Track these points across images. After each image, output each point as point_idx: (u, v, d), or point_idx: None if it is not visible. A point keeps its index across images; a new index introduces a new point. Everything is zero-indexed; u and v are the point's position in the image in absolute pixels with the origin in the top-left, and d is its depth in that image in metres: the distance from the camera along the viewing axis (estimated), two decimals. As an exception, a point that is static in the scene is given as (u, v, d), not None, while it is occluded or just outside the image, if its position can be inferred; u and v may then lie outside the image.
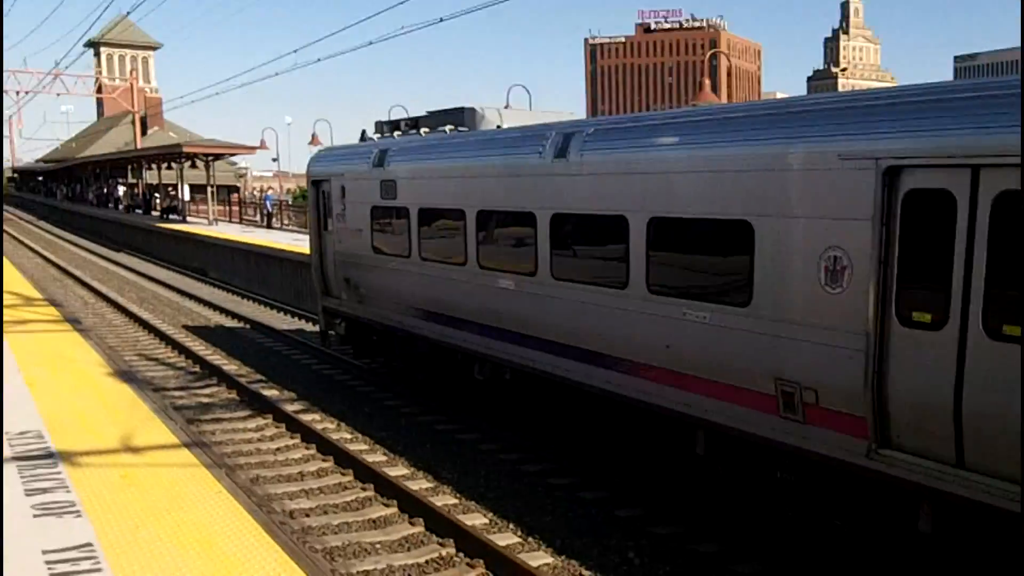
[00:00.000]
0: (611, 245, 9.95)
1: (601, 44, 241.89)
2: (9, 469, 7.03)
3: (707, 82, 33.87)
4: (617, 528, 9.55)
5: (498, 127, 13.43)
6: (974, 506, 6.75)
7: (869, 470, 7.39)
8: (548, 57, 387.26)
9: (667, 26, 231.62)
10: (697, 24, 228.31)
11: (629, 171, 9.77)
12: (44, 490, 6.55)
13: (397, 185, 14.36)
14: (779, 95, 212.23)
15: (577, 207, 10.54)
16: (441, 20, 21.65)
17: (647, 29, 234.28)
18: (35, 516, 6.08)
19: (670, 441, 9.73)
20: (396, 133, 15.60)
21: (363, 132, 16.68)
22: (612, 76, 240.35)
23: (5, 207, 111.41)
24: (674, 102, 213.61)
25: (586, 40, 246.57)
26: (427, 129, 14.85)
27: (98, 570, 5.29)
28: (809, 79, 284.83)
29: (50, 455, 7.41)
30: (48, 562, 5.37)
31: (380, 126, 16.38)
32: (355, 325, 16.23)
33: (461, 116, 14.34)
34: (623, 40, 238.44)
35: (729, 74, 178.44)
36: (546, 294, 11.00)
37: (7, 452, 7.45)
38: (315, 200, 17.15)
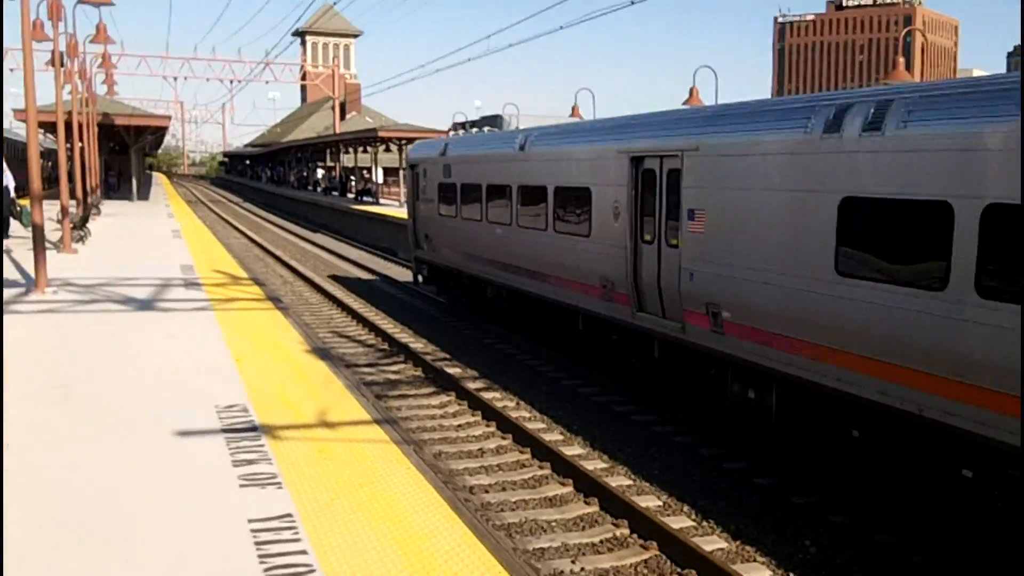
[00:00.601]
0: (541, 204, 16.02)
1: (791, 23, 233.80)
2: (218, 440, 7.69)
3: (901, 60, 32.25)
4: (793, 515, 9.48)
5: (516, 128, 18.81)
6: (672, 340, 12.49)
7: (635, 324, 13.29)
8: (736, 37, 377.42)
9: (859, 2, 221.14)
10: (891, 0, 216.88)
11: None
12: (249, 461, 7.12)
13: (451, 168, 20.47)
14: (975, 72, 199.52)
15: (529, 181, 16.62)
16: (632, 3, 21.67)
17: (838, 6, 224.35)
18: (241, 486, 6.61)
19: (564, 319, 16.03)
20: (460, 131, 22.03)
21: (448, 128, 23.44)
22: (801, 55, 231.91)
23: (217, 189, 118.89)
24: (865, 81, 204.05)
25: (775, 19, 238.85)
26: (476, 129, 21.08)
27: (297, 539, 5.73)
28: (1009, 55, 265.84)
29: (254, 428, 8.03)
30: (253, 530, 5.85)
31: (455, 126, 23.08)
32: (431, 268, 22.71)
33: (495, 120, 20.25)
34: (813, 17, 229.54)
35: (924, 51, 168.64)
36: (515, 236, 17.16)
37: (218, 424, 8.13)
38: (411, 179, 23.76)
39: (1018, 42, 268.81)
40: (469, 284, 20.54)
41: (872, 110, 9.01)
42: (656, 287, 12.56)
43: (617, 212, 13.49)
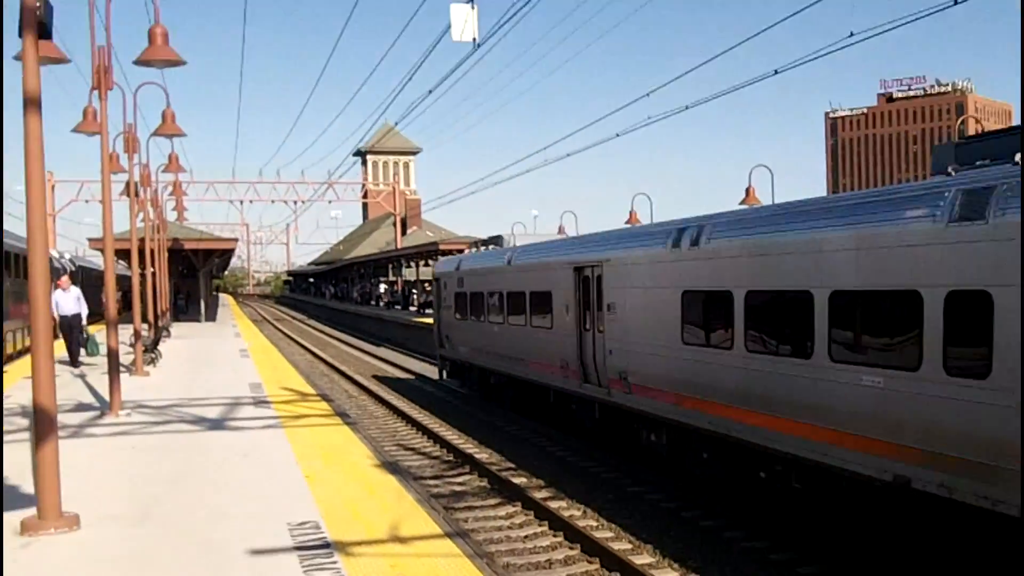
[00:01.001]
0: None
1: (841, 117, 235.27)
2: (291, 558, 7.72)
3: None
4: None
5: (513, 245, 23.12)
6: (605, 403, 16.76)
7: (582, 392, 17.67)
8: (789, 134, 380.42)
9: (911, 93, 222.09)
10: (943, 89, 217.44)
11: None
12: (323, 579, 7.13)
13: (463, 279, 25.24)
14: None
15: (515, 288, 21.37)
16: (687, 108, 22.15)
17: (889, 99, 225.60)
18: (317, 604, 6.61)
19: (540, 395, 20.38)
20: (474, 249, 27.13)
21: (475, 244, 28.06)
22: (853, 148, 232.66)
23: (282, 308, 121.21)
24: (920, 171, 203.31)
25: (827, 114, 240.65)
26: (484, 248, 25.78)
27: (375, 658, 5.70)
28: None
29: (326, 545, 8.05)
30: (330, 649, 5.83)
31: (472, 244, 28.72)
32: (452, 364, 27.66)
33: (498, 239, 24.66)
34: (864, 111, 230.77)
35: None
36: (506, 332, 21.89)
37: (291, 542, 8.17)
38: (435, 290, 29.04)
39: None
40: (479, 375, 25.28)
41: (696, 231, 13.50)
42: (592, 363, 17.09)
43: (567, 308, 18.15)
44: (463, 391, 27.40)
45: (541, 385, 20.06)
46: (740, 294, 12.14)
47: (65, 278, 24.96)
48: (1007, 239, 8.13)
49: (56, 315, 22.65)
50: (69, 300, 23.94)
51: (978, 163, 9.49)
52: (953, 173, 9.48)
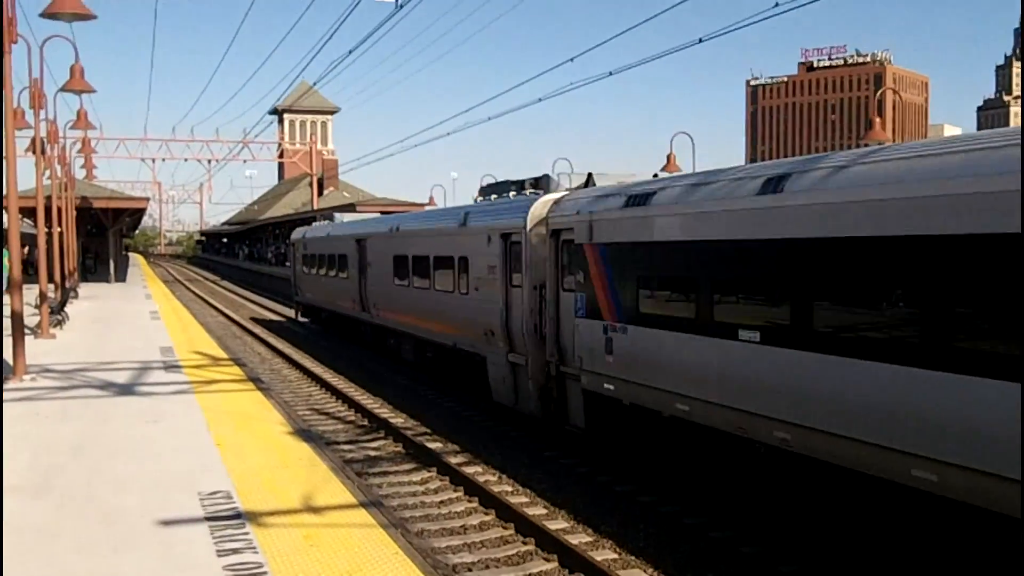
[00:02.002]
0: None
1: (763, 85, 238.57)
2: (202, 528, 7.64)
3: (878, 120, 32.97)
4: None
5: (330, 222, 34.09)
6: (373, 323, 26.71)
7: (360, 318, 27.32)
8: (711, 102, 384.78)
9: (830, 63, 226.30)
10: (862, 59, 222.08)
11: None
12: (234, 551, 7.07)
13: (307, 245, 35.59)
14: (947, 128, 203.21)
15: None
16: (610, 74, 22.16)
17: (810, 67, 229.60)
18: (226, 577, 6.57)
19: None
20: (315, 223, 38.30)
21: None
22: (773, 117, 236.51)
23: (194, 268, 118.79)
24: (838, 140, 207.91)
25: (747, 82, 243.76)
26: (317, 223, 37.48)
27: (285, 629, 5.70)
28: (979, 109, 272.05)
29: (238, 515, 7.99)
30: (241, 621, 5.81)
31: (312, 219, 42.54)
32: (306, 308, 36.59)
33: (330, 215, 38.11)
34: (785, 80, 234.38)
35: (895, 108, 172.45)
36: (330, 283, 30.94)
37: (201, 512, 8.09)
38: (290, 252, 40.12)
39: (988, 96, 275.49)
40: (327, 317, 33.97)
41: (465, 213, 19.44)
42: (361, 300, 27.42)
43: (354, 267, 28.11)
44: (312, 326, 36.72)
45: (346, 315, 29.54)
46: (410, 258, 22.76)
47: None
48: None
49: None
50: None
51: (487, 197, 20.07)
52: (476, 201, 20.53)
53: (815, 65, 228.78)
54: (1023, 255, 6.98)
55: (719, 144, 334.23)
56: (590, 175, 16.24)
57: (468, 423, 17.80)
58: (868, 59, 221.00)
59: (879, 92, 62.96)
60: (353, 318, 28.57)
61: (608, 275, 13.46)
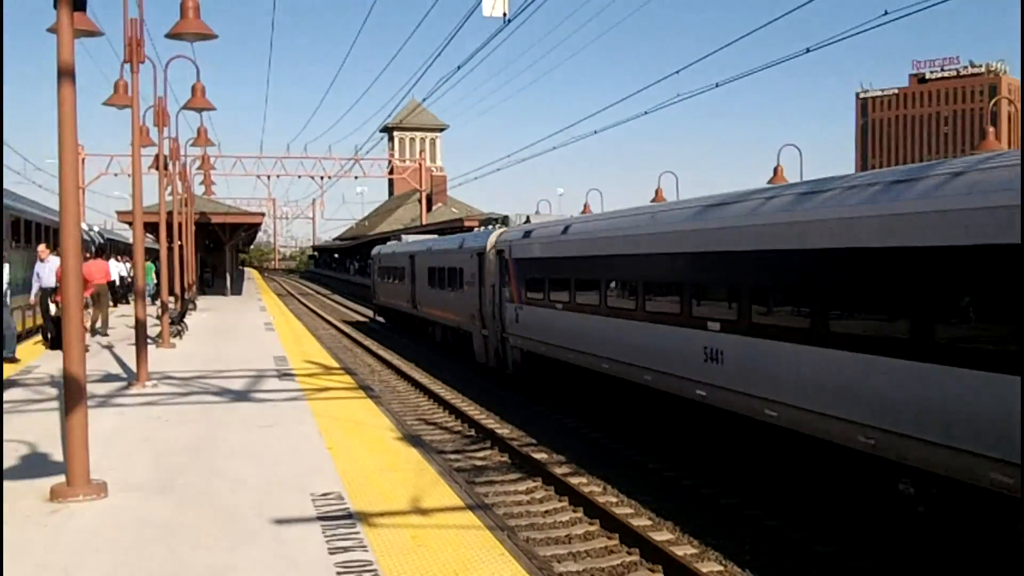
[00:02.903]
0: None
1: (872, 97, 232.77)
2: (314, 527, 7.83)
3: (991, 130, 31.69)
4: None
5: (396, 241, 47.40)
6: (418, 316, 36.76)
7: (412, 312, 37.85)
8: (819, 114, 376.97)
9: (943, 74, 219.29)
10: (975, 70, 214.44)
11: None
12: (344, 549, 7.23)
13: (381, 260, 46.28)
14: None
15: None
16: (717, 85, 22.00)
17: (921, 79, 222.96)
18: (338, 573, 6.70)
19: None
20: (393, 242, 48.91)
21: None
22: (884, 129, 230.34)
23: (306, 283, 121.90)
24: (951, 152, 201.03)
25: (857, 94, 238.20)
26: (393, 241, 49.25)
27: (394, 625, 5.78)
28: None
29: (349, 516, 8.16)
30: (352, 617, 5.92)
31: (384, 240, 57.92)
32: (376, 307, 49.56)
33: (398, 237, 52.10)
34: (896, 92, 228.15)
35: (1011, 120, 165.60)
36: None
37: (313, 512, 8.29)
38: (371, 265, 51.54)
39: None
40: (393, 315, 44.33)
41: (462, 239, 29.43)
42: (411, 300, 37.40)
43: (408, 278, 37.88)
44: (385, 323, 46.89)
45: (404, 312, 39.67)
46: (436, 269, 32.17)
47: (42, 247, 22.01)
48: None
49: (37, 287, 21.58)
50: (47, 271, 21.36)
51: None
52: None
53: (927, 76, 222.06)
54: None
55: (828, 155, 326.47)
56: (528, 217, 25.91)
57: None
58: (983, 70, 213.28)
59: (993, 102, 60.54)
60: (407, 313, 38.92)
61: (517, 276, 22.89)
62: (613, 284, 17.20)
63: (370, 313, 53.23)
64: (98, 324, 25.18)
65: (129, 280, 34.32)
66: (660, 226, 15.20)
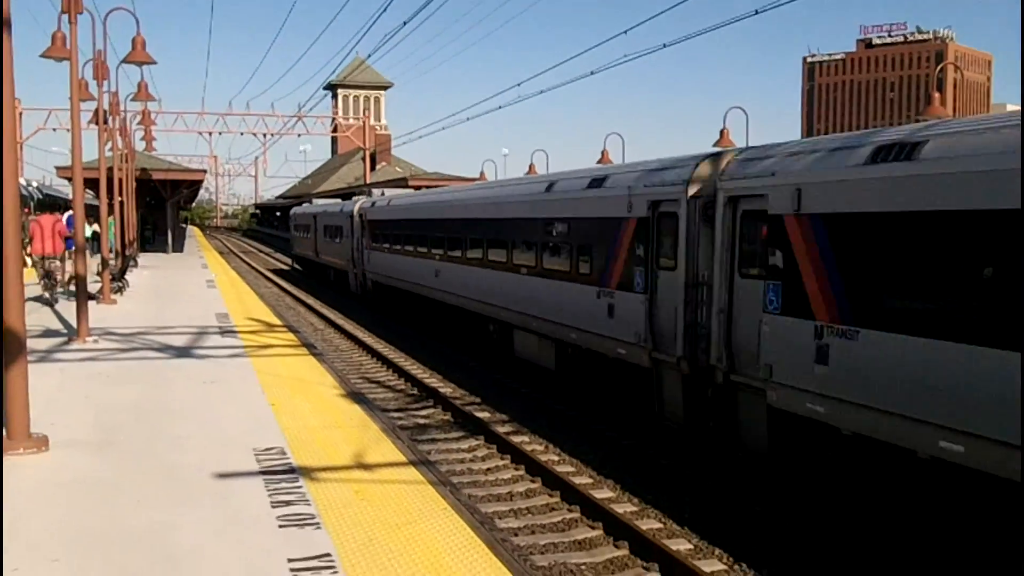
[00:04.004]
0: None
1: (819, 62, 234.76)
2: (256, 482, 7.90)
3: (937, 96, 32.03)
4: (830, 558, 9.52)
5: (308, 204, 55.76)
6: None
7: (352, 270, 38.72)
8: (766, 78, 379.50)
9: (890, 40, 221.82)
10: (923, 36, 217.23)
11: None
12: (287, 503, 7.32)
13: (296, 219, 56.15)
14: (1009, 107, 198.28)
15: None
16: (664, 46, 22.00)
17: (868, 44, 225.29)
18: (280, 527, 6.78)
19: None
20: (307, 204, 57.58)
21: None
22: (830, 94, 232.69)
23: (249, 241, 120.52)
24: (896, 119, 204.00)
25: (804, 58, 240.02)
26: (307, 203, 57.88)
27: (337, 578, 5.90)
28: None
29: (292, 470, 8.24)
30: (293, 569, 5.99)
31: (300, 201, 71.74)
32: (295, 256, 57.08)
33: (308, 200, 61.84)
34: (843, 57, 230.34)
35: (956, 87, 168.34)
36: (318, 241, 45.59)
37: (256, 467, 8.35)
38: (290, 222, 60.87)
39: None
40: (306, 262, 50.81)
41: (341, 208, 40.53)
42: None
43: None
44: (299, 270, 54.62)
45: (310, 259, 48.01)
46: (323, 226, 43.91)
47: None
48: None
49: None
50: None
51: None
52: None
53: (874, 42, 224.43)
54: None
55: (774, 120, 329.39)
56: (383, 191, 37.09)
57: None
58: (930, 36, 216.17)
59: (939, 68, 61.44)
60: (313, 260, 47.45)
61: (370, 232, 33.66)
62: (416, 236, 27.10)
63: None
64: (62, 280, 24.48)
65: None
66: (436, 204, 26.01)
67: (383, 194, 35.71)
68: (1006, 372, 7.68)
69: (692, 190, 12.71)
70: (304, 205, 55.20)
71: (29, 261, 20.90)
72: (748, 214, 11.57)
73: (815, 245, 10.19)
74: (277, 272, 56.59)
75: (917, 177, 8.74)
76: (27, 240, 25.80)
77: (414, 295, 27.37)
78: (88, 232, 24.21)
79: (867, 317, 9.36)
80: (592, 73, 26.24)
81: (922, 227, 8.67)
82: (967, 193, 8.19)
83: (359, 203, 36.02)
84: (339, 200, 48.58)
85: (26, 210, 24.47)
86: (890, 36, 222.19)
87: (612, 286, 14.82)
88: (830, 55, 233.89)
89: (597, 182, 15.60)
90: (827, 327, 9.92)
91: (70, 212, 23.78)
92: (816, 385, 9.99)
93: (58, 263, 23.41)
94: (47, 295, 22.82)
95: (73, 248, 22.71)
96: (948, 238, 8.40)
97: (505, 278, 19.35)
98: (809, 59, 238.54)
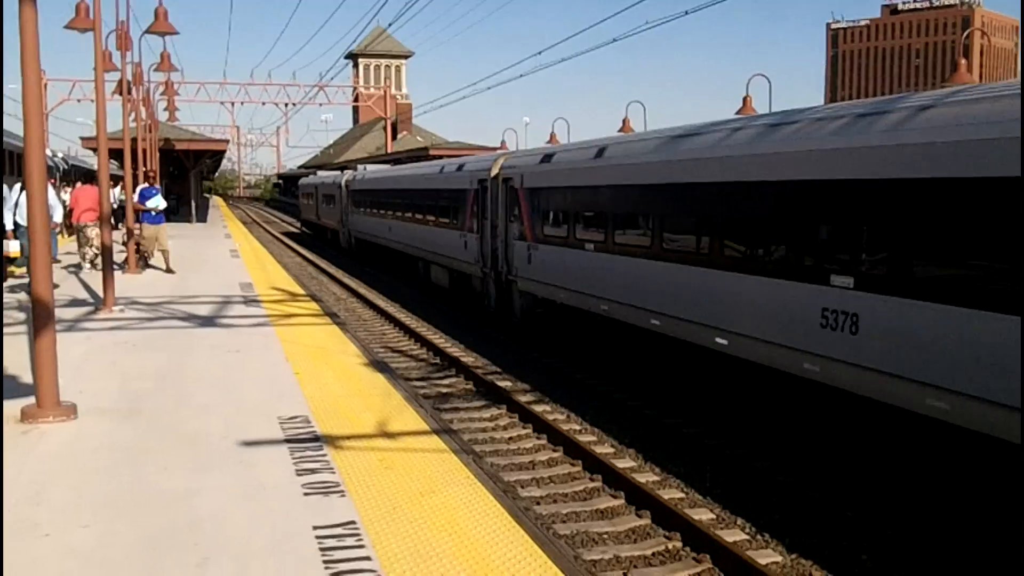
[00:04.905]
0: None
1: (844, 28, 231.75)
2: (281, 450, 7.96)
3: (963, 62, 31.42)
4: (848, 528, 9.53)
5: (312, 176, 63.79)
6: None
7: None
8: (789, 44, 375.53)
9: (915, 6, 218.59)
10: (949, 2, 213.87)
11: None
12: (312, 471, 7.37)
13: (305, 188, 64.39)
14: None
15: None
16: (686, 13, 21.72)
17: (893, 10, 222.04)
18: (305, 495, 6.83)
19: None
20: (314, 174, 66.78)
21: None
22: (854, 61, 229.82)
23: (271, 211, 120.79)
24: (922, 86, 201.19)
25: (828, 25, 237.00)
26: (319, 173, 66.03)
27: (361, 546, 5.91)
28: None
29: (316, 439, 8.30)
30: (318, 536, 6.04)
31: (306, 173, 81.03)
32: (307, 223, 63.50)
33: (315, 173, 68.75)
34: (867, 23, 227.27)
35: (983, 53, 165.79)
36: (318, 206, 55.78)
37: (281, 435, 8.42)
38: (300, 191, 69.24)
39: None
40: (311, 225, 60.32)
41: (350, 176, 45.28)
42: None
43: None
44: (309, 233, 62.50)
45: (314, 223, 57.08)
46: (316, 193, 55.14)
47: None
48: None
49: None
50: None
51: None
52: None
53: (899, 8, 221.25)
54: None
55: (799, 87, 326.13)
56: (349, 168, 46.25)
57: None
58: (956, 2, 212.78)
59: (965, 34, 60.19)
60: (315, 223, 56.85)
61: (352, 200, 42.42)
62: (377, 202, 36.84)
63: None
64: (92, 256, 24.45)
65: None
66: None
67: (365, 169, 43.37)
68: (584, 259, 16.32)
69: (493, 173, 21.47)
70: (309, 177, 63.21)
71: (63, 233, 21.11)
72: (509, 188, 20.38)
73: (528, 203, 19.27)
74: (299, 241, 56.76)
75: (554, 171, 18.13)
76: (68, 209, 26.11)
77: (379, 246, 35.73)
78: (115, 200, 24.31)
79: (543, 239, 18.40)
80: (614, 40, 26.12)
81: (558, 196, 18.00)
82: (570, 177, 17.32)
83: (346, 176, 44.70)
84: (337, 172, 54.85)
85: (59, 182, 24.49)
86: (916, 2, 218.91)
87: (465, 230, 23.45)
88: (854, 21, 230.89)
89: (460, 167, 24.82)
90: (531, 244, 19.07)
91: (144, 185, 23.79)
92: (529, 275, 19.27)
93: (97, 231, 23.48)
94: (85, 264, 23.12)
95: (142, 222, 22.84)
96: (561, 200, 17.89)
97: (422, 230, 28.31)
98: (833, 25, 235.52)
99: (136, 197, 23.32)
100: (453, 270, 25.27)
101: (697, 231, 12.70)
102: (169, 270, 22.83)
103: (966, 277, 8.41)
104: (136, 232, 23.46)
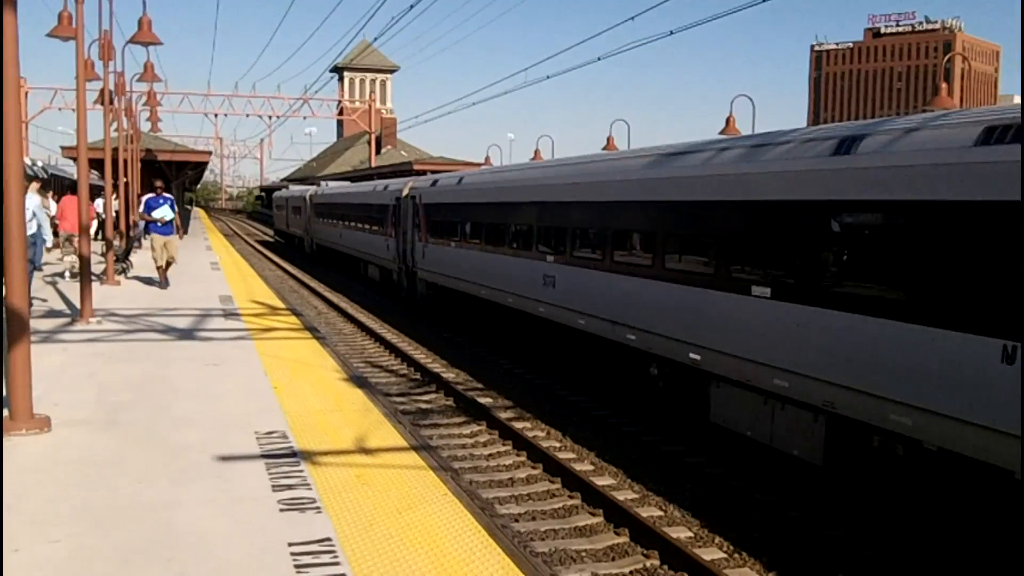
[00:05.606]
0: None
1: (827, 50, 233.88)
2: (258, 465, 7.90)
3: (944, 86, 31.68)
4: (826, 548, 9.54)
5: (287, 191, 70.68)
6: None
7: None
8: (773, 66, 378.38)
9: (898, 29, 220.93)
10: (931, 26, 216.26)
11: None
12: (289, 487, 7.32)
13: (276, 200, 77.21)
14: (1016, 99, 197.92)
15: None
16: (671, 33, 21.89)
17: (876, 34, 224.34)
18: (281, 511, 6.79)
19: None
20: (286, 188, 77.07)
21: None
22: (837, 83, 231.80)
23: (253, 223, 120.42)
24: (903, 108, 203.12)
25: (812, 47, 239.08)
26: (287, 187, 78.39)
27: (337, 563, 5.86)
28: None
29: (293, 454, 8.25)
30: (293, 553, 5.99)
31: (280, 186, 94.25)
32: (278, 231, 73.19)
33: (286, 187, 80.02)
34: (850, 45, 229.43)
35: (964, 77, 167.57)
36: (287, 216, 64.55)
37: (258, 450, 8.36)
38: (271, 202, 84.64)
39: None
40: (285, 235, 65.36)
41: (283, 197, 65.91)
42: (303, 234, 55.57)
43: (302, 214, 54.55)
44: (282, 241, 67.71)
45: (291, 234, 60.73)
46: (287, 205, 64.53)
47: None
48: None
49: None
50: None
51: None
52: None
53: (882, 31, 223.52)
54: None
55: (781, 108, 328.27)
56: (320, 182, 59.73)
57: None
58: (938, 26, 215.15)
59: (946, 58, 61.24)
60: (285, 232, 62.60)
61: (313, 211, 49.76)
62: (331, 212, 43.83)
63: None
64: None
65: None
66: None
67: (327, 185, 51.34)
68: (452, 253, 23.56)
69: (404, 193, 28.27)
70: (282, 191, 71.06)
71: (50, 241, 20.91)
72: (414, 203, 26.96)
73: (425, 216, 25.84)
74: (280, 254, 56.63)
75: (437, 191, 25.14)
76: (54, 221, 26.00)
77: (334, 250, 42.69)
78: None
79: (432, 239, 25.01)
80: (599, 59, 26.18)
81: (441, 209, 24.64)
82: (445, 196, 24.71)
83: (311, 191, 52.12)
84: (305, 187, 62.87)
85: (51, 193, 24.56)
86: (898, 25, 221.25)
87: (387, 235, 30.33)
88: (837, 44, 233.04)
89: (385, 187, 31.87)
90: (424, 243, 25.85)
91: (150, 195, 23.38)
92: (424, 266, 26.01)
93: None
94: (66, 275, 22.95)
95: (149, 232, 22.61)
96: (443, 212, 24.55)
97: (362, 236, 35.41)
98: (817, 47, 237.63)
99: (141, 207, 23.13)
100: (382, 267, 32.59)
101: (509, 236, 19.33)
102: (163, 281, 22.35)
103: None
104: (122, 242, 23.33)
